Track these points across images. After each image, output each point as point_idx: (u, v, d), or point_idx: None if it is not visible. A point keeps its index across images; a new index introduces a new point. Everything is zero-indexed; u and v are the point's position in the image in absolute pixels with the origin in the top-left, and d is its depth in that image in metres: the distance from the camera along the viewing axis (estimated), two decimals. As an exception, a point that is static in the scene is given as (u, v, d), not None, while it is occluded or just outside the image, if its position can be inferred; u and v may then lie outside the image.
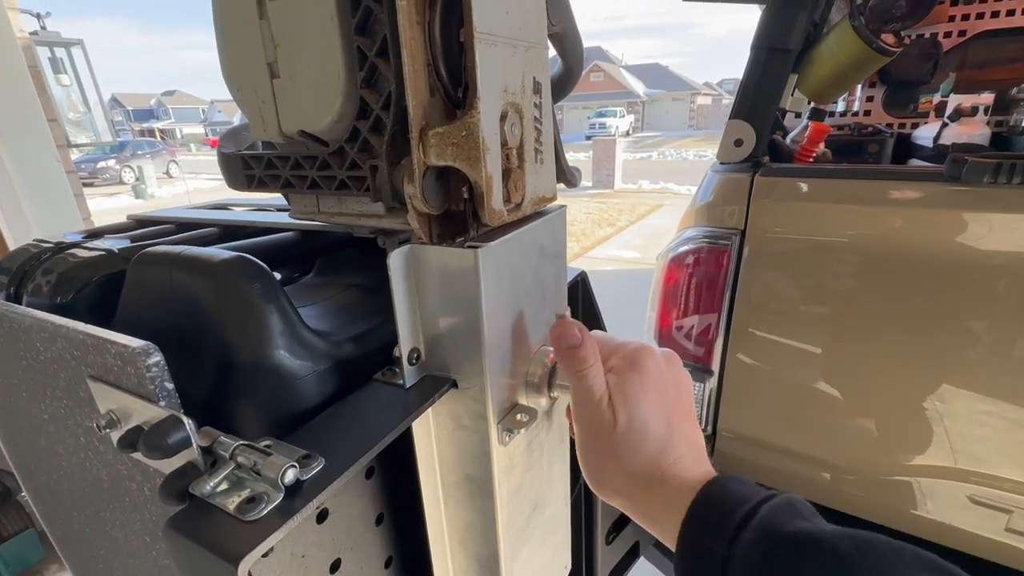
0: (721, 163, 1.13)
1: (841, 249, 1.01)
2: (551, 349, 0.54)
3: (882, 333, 1.02)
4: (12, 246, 1.98)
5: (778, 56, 1.06)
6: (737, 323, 1.12)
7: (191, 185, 15.33)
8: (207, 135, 58.34)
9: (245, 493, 0.33)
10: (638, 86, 36.22)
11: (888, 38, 1.15)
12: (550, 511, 0.63)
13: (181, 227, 0.68)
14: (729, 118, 1.12)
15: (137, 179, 15.61)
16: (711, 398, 1.17)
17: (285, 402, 0.44)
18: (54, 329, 0.42)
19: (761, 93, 1.09)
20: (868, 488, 1.13)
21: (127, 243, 0.61)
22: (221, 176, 0.51)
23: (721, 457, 1.24)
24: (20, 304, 0.54)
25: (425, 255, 0.43)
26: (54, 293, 0.52)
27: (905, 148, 2.49)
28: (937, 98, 2.49)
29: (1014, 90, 2.34)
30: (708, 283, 1.12)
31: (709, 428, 1.21)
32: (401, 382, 0.46)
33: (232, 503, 0.33)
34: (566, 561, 0.74)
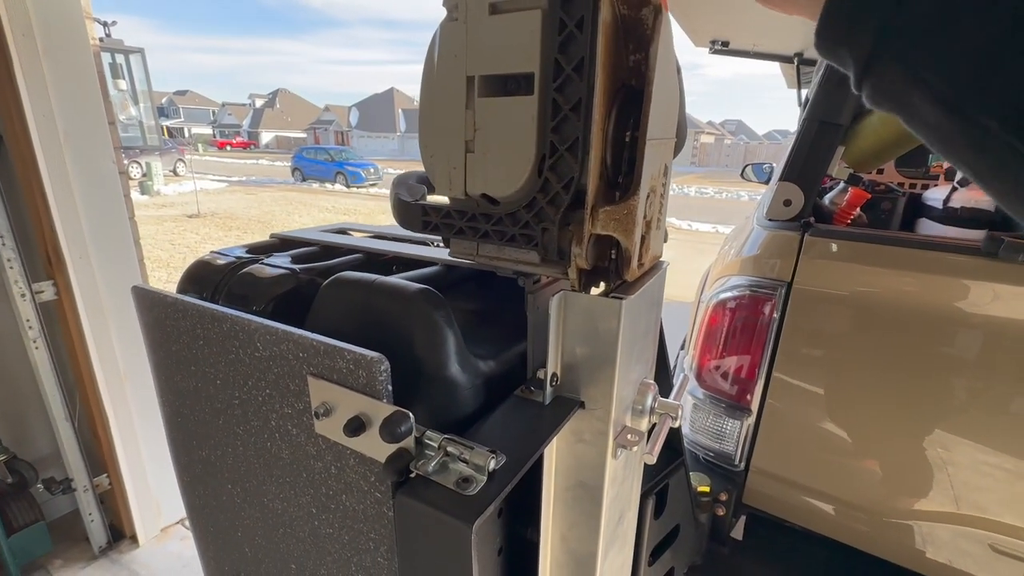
0: (769, 220, 1.25)
1: (874, 308, 1.13)
2: (651, 381, 0.65)
3: (900, 386, 1.14)
4: (64, 244, 2.06)
5: (828, 129, 1.20)
6: (776, 368, 1.24)
7: (199, 185, 15.44)
8: (215, 136, 58.99)
9: (456, 474, 0.44)
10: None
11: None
12: (627, 523, 0.74)
13: (327, 250, 0.80)
14: (779, 179, 1.25)
15: (144, 175, 15.75)
16: (747, 436, 1.27)
17: (452, 407, 0.54)
18: (283, 334, 0.52)
19: (811, 161, 1.22)
20: (880, 528, 1.23)
21: (289, 261, 0.72)
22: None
23: (751, 493, 1.33)
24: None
25: (577, 301, 0.54)
26: (250, 301, 0.63)
27: (916, 207, 2.67)
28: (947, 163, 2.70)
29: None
30: (746, 328, 1.24)
31: (742, 464, 1.31)
32: (540, 400, 0.57)
33: (450, 481, 0.43)
34: (628, 573, 0.83)
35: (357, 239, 0.84)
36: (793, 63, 3.17)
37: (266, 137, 59.85)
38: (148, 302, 0.64)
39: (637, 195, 0.50)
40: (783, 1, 0.37)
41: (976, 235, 1.02)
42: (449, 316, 0.55)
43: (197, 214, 11.59)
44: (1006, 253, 0.98)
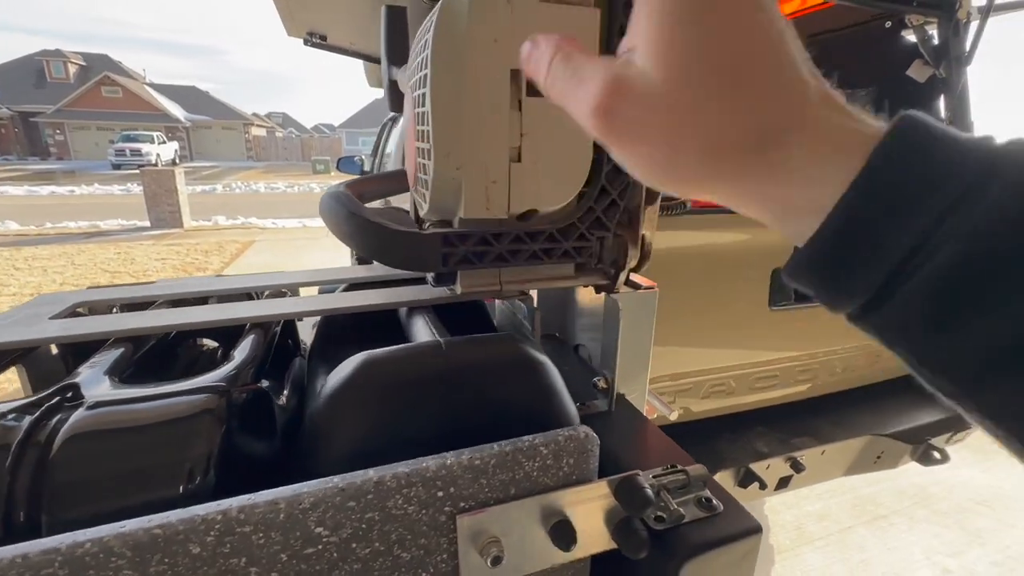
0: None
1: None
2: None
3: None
4: None
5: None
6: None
7: None
8: None
9: (691, 500, 0.42)
10: (175, 109, 31.41)
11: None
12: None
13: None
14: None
15: None
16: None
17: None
18: (401, 477, 0.31)
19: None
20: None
21: (117, 373, 0.37)
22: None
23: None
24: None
25: (624, 300, 0.55)
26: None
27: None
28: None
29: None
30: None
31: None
32: (605, 408, 0.55)
33: (700, 511, 0.41)
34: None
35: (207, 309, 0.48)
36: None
37: None
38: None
39: (659, 195, 0.55)
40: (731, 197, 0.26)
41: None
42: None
43: None
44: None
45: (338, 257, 7.26)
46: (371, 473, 0.31)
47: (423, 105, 0.43)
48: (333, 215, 0.46)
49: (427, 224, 0.47)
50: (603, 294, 0.57)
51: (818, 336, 1.94)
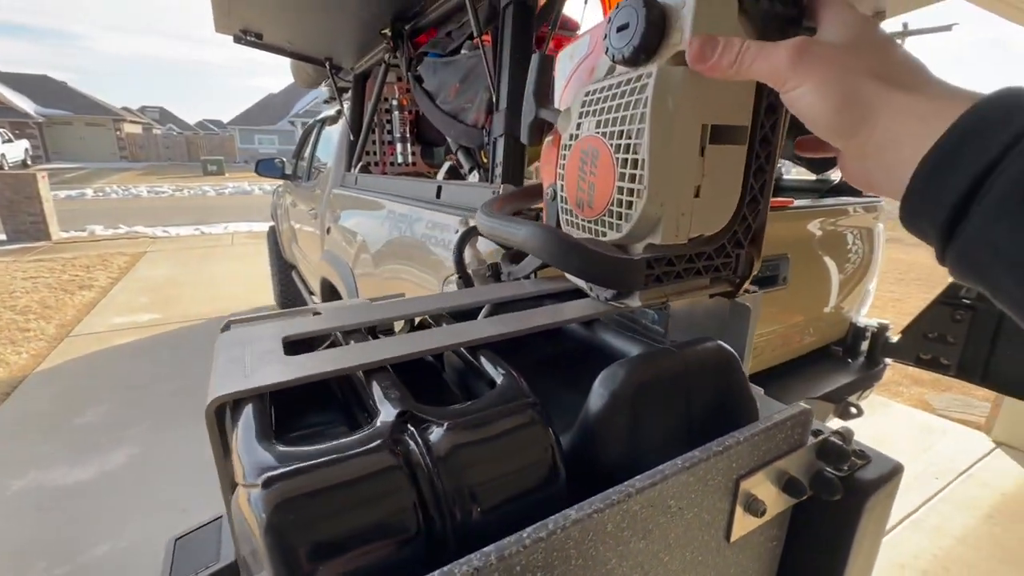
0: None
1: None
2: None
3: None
4: None
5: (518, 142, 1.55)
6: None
7: None
8: None
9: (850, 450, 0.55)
10: (22, 102, 26.79)
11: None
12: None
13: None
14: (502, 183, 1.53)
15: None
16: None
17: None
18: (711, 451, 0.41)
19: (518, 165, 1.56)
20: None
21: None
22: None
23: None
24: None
25: (752, 303, 0.67)
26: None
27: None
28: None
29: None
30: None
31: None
32: (732, 393, 0.67)
33: (856, 459, 0.54)
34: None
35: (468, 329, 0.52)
36: (325, 66, 3.35)
37: None
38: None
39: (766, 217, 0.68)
40: (865, 183, 0.38)
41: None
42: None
43: None
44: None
45: (249, 265, 6.77)
46: (697, 453, 0.40)
47: (636, 153, 0.52)
48: (552, 246, 0.54)
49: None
50: (715, 299, 0.69)
51: (767, 317, 2.23)
